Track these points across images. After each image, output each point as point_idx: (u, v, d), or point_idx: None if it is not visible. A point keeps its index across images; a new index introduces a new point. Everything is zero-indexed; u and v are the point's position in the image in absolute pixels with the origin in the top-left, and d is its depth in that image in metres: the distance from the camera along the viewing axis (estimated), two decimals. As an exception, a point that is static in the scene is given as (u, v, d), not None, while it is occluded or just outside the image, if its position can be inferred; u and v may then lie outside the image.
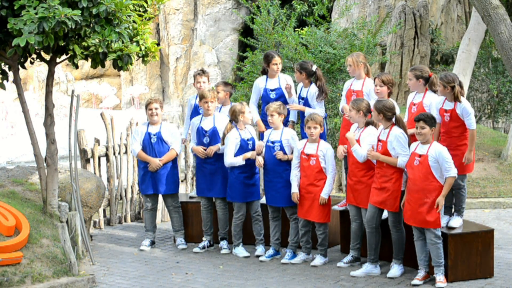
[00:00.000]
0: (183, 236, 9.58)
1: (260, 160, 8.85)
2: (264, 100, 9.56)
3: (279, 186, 8.76)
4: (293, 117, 9.56)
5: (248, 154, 8.89)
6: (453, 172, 7.62)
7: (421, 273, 7.82)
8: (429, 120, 7.68)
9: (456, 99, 8.17)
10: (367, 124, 8.29)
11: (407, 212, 7.79)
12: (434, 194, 7.62)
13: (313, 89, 9.30)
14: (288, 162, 8.76)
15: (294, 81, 9.88)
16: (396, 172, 7.93)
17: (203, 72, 9.96)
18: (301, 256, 8.75)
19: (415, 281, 7.78)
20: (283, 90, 9.48)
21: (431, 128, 7.66)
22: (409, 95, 8.83)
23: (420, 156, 7.64)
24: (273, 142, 8.78)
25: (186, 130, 10.06)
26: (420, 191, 7.63)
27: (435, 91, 8.47)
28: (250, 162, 8.98)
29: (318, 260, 8.61)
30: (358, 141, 8.25)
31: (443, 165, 7.58)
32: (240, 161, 8.89)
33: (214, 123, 9.20)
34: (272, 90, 9.52)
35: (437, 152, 7.60)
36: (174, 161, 9.52)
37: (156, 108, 9.39)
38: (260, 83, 9.66)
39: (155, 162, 9.29)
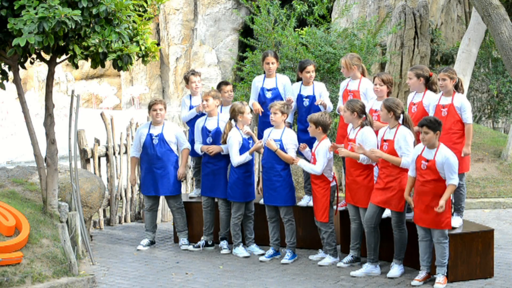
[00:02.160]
0: (187, 236, 9.57)
1: (273, 144, 8.77)
2: (260, 100, 9.56)
3: (277, 185, 8.75)
4: (289, 119, 9.55)
5: (253, 148, 8.95)
6: (455, 181, 7.55)
7: (422, 274, 7.81)
8: (433, 124, 7.57)
9: (457, 90, 8.23)
10: (364, 124, 8.28)
11: (417, 213, 7.75)
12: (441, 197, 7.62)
13: (321, 85, 9.33)
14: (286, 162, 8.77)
15: (292, 81, 9.86)
16: (402, 171, 7.91)
17: (195, 72, 10.02)
18: (320, 254, 8.81)
19: (414, 282, 7.77)
20: (279, 90, 9.48)
21: (435, 132, 7.56)
22: (408, 95, 8.83)
23: (427, 160, 7.60)
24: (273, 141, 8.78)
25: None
26: (430, 193, 7.60)
27: (434, 91, 8.48)
28: (251, 162, 9.00)
29: (327, 259, 8.62)
30: (354, 140, 8.24)
31: (446, 171, 7.51)
32: (248, 156, 8.92)
33: (218, 124, 9.22)
34: (268, 90, 9.52)
35: (444, 158, 7.53)
36: (176, 162, 9.51)
37: (160, 109, 9.39)
38: (257, 82, 9.66)
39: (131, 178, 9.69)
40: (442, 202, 7.51)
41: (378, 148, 8.10)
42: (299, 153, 9.30)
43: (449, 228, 7.69)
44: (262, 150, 8.95)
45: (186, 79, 10.00)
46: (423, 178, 7.63)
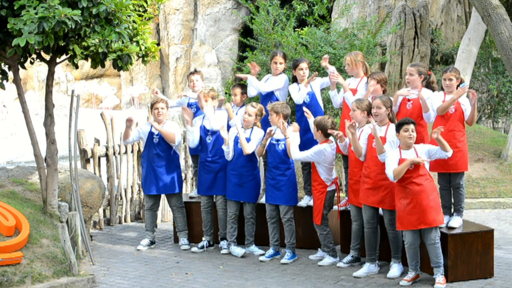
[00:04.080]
0: (187, 236, 9.58)
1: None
2: (262, 101, 9.55)
3: (281, 184, 8.76)
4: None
5: (226, 142, 8.96)
6: (449, 152, 7.63)
7: (411, 274, 7.81)
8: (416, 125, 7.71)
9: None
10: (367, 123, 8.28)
11: (410, 218, 7.64)
12: (433, 193, 7.59)
13: (319, 82, 9.32)
14: (291, 161, 8.77)
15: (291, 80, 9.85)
16: None
17: (195, 71, 10.07)
18: (319, 253, 8.84)
19: (403, 282, 7.78)
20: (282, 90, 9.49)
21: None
22: (399, 91, 8.76)
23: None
24: (277, 140, 8.78)
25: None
26: (420, 192, 7.57)
27: (433, 89, 8.47)
28: (237, 161, 8.98)
29: (327, 260, 8.63)
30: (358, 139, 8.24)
31: (431, 151, 7.61)
32: (225, 146, 8.98)
33: None
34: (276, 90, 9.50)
35: (425, 148, 7.63)
36: (177, 161, 9.54)
37: (162, 108, 9.42)
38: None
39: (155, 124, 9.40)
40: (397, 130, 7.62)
41: (366, 145, 8.10)
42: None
43: (441, 224, 7.69)
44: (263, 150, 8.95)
45: (188, 78, 10.12)
46: (411, 178, 7.59)
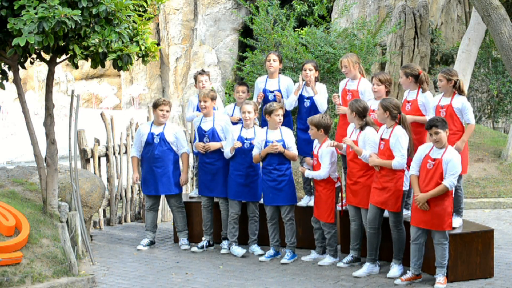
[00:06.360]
0: (187, 236, 9.58)
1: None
2: (263, 101, 9.56)
3: (283, 184, 8.75)
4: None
5: (233, 147, 8.89)
6: (449, 182, 7.46)
7: (408, 274, 7.82)
8: (441, 123, 7.51)
9: (460, 92, 8.21)
10: (365, 125, 8.27)
11: (417, 214, 7.69)
12: (446, 197, 7.56)
13: (321, 87, 9.33)
14: (289, 161, 8.77)
15: (295, 81, 9.85)
16: (398, 172, 7.91)
17: (203, 71, 10.05)
18: (312, 255, 8.81)
19: (397, 281, 7.79)
20: (281, 92, 9.48)
21: (444, 130, 7.51)
22: (404, 93, 8.84)
23: (434, 160, 7.56)
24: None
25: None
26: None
27: (424, 89, 8.46)
28: (244, 161, 8.97)
29: (327, 260, 8.62)
30: (356, 142, 8.22)
31: (448, 170, 7.46)
32: (228, 152, 8.93)
33: (214, 124, 9.22)
34: (271, 92, 9.51)
35: (449, 158, 7.48)
36: (176, 162, 9.53)
37: (167, 111, 9.44)
38: (260, 83, 9.66)
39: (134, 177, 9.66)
40: (421, 196, 7.52)
41: (377, 147, 8.10)
42: (300, 153, 9.29)
43: (450, 229, 7.68)
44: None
45: (195, 79, 10.07)
46: (426, 178, 7.60)
